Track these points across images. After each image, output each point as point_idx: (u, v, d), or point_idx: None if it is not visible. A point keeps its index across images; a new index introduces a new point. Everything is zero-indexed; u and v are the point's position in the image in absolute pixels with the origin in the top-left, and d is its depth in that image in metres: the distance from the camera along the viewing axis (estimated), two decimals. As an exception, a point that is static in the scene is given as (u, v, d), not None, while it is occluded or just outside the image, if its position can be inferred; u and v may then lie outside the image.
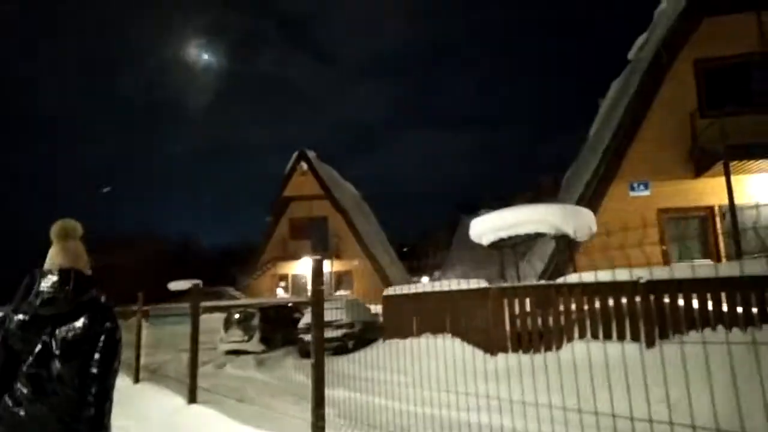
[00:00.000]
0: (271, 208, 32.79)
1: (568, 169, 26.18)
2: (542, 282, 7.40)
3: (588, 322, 6.96)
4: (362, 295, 27.33)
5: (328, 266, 30.76)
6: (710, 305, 6.39)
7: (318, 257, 4.56)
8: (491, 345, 7.87)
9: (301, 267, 31.25)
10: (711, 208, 11.34)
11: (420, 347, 9.48)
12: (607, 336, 6.84)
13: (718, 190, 11.33)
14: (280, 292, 31.12)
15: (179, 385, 7.92)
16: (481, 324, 8.09)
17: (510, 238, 8.06)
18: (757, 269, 6.26)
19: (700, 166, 11.22)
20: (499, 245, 8.51)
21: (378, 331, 17.55)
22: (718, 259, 11.12)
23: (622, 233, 11.47)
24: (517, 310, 7.59)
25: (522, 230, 7.73)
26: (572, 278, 7.23)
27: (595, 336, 6.92)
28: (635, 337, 6.65)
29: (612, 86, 21.76)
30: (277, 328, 17.92)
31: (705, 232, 11.39)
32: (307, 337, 15.30)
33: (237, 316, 18.07)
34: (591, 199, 11.52)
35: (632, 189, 11.60)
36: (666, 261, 11.27)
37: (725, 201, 11.37)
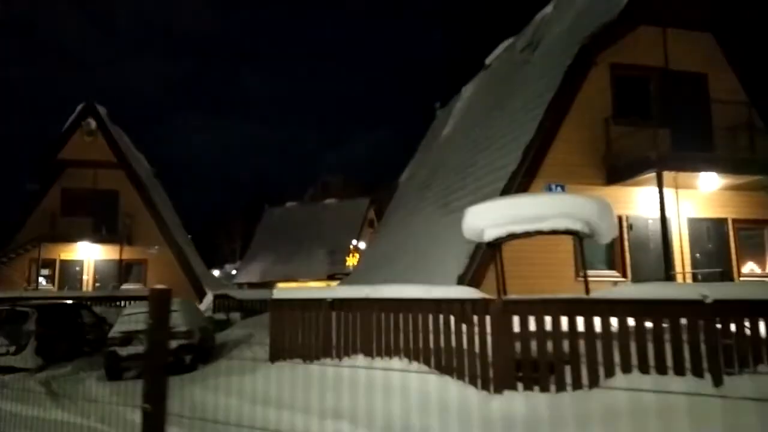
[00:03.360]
0: (35, 174, 25.27)
1: (407, 168, 25.55)
2: (571, 296, 5.66)
3: (634, 351, 5.36)
4: (157, 290, 22.51)
5: (115, 253, 24.86)
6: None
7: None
8: (489, 377, 5.76)
9: (78, 252, 24.70)
10: (619, 218, 11.07)
11: (352, 377, 6.85)
12: (661, 371, 5.31)
13: (626, 200, 11.16)
14: (43, 283, 24.08)
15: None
16: (469, 347, 5.93)
17: (526, 233, 6.08)
18: None
19: (614, 174, 10.88)
20: (498, 243, 6.44)
21: (212, 339, 13.92)
22: (623, 273, 10.90)
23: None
24: (532, 329, 5.63)
25: (546, 225, 5.82)
26: (623, 291, 5.57)
27: (644, 370, 5.34)
28: (697, 372, 5.25)
29: (465, 89, 21.65)
30: (60, 335, 12.98)
31: (612, 243, 11.09)
32: (123, 351, 11.10)
33: (-5, 317, 12.58)
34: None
35: (549, 191, 10.73)
36: (576, 271, 10.64)
37: (632, 212, 11.28)
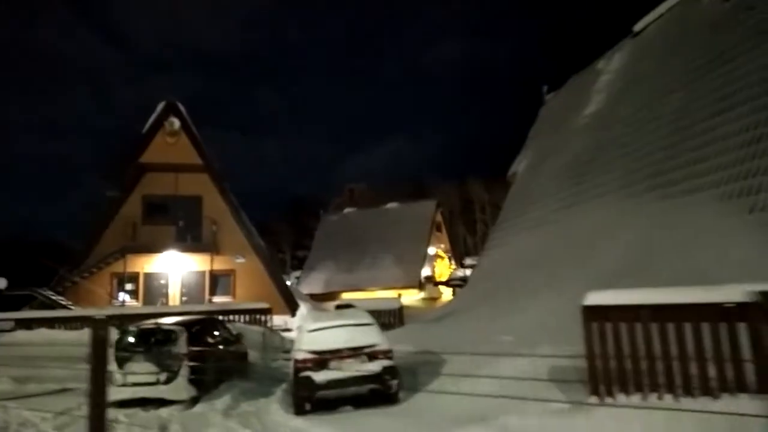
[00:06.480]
0: (116, 180, 23.21)
1: (515, 160, 23.07)
2: None
3: None
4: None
5: (205, 264, 22.71)
6: None
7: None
8: None
9: (160, 264, 22.57)
10: None
11: None
12: None
13: None
14: (126, 299, 21.98)
15: None
16: None
17: None
18: None
19: None
20: None
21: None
22: None
23: None
24: None
25: None
26: None
27: None
28: None
29: (606, 62, 19.16)
30: (207, 358, 10.65)
31: None
32: (318, 377, 8.69)
33: (131, 339, 10.29)
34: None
35: None
36: None
37: None
